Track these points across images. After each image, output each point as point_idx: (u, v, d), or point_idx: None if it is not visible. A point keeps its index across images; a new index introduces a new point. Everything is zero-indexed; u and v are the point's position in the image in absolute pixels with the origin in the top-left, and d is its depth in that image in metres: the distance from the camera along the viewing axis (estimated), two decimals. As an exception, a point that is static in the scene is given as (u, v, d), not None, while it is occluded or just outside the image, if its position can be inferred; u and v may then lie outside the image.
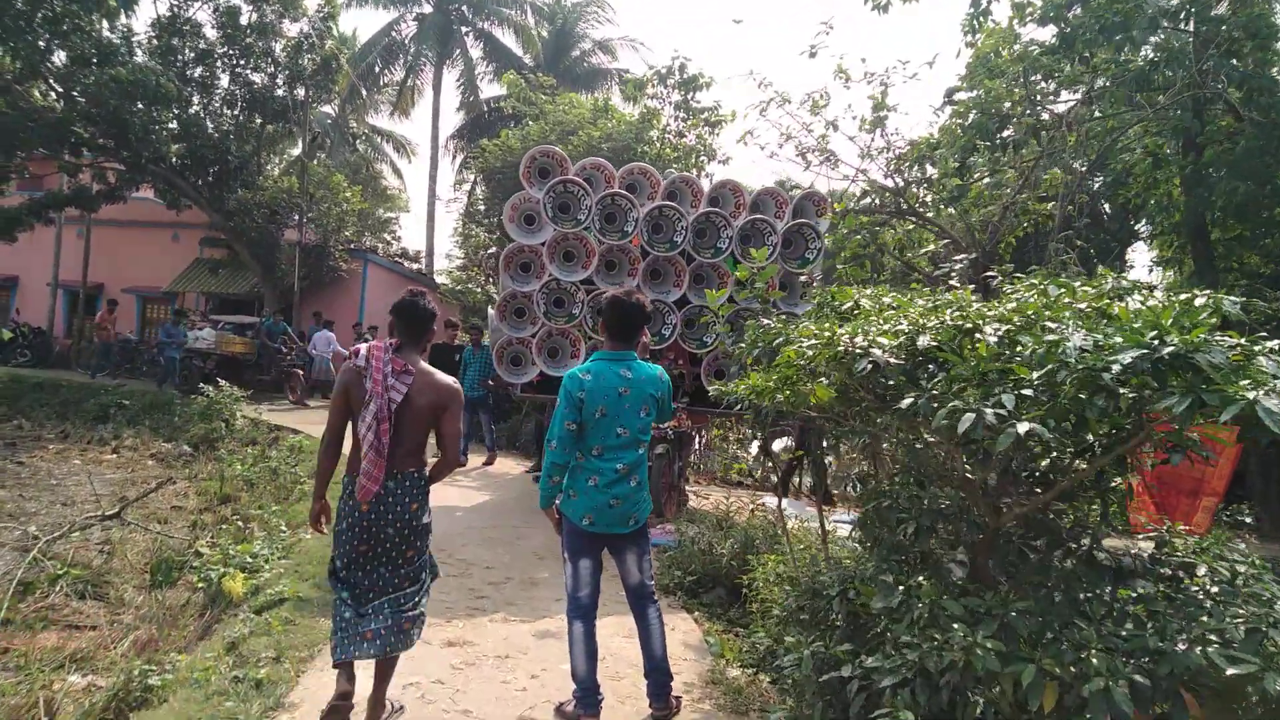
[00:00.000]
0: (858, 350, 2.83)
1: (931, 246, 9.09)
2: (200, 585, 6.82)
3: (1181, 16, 11.50)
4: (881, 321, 3.22)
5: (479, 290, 18.92)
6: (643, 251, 8.41)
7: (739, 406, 4.81)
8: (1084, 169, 9.60)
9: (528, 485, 10.05)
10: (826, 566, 4.20)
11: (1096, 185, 16.27)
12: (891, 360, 2.75)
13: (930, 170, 10.28)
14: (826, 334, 3.03)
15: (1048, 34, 11.60)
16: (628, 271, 8.46)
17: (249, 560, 6.92)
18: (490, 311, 9.61)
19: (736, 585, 5.91)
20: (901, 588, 2.85)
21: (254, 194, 20.58)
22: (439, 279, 26.58)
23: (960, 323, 2.83)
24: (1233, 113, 12.41)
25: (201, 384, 16.17)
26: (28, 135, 16.53)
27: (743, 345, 4.92)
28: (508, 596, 5.78)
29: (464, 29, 34.46)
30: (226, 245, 21.05)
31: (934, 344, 2.74)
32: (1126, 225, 19.12)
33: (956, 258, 7.89)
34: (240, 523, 8.49)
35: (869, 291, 4.00)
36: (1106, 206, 19.33)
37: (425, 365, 3.75)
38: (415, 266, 29.14)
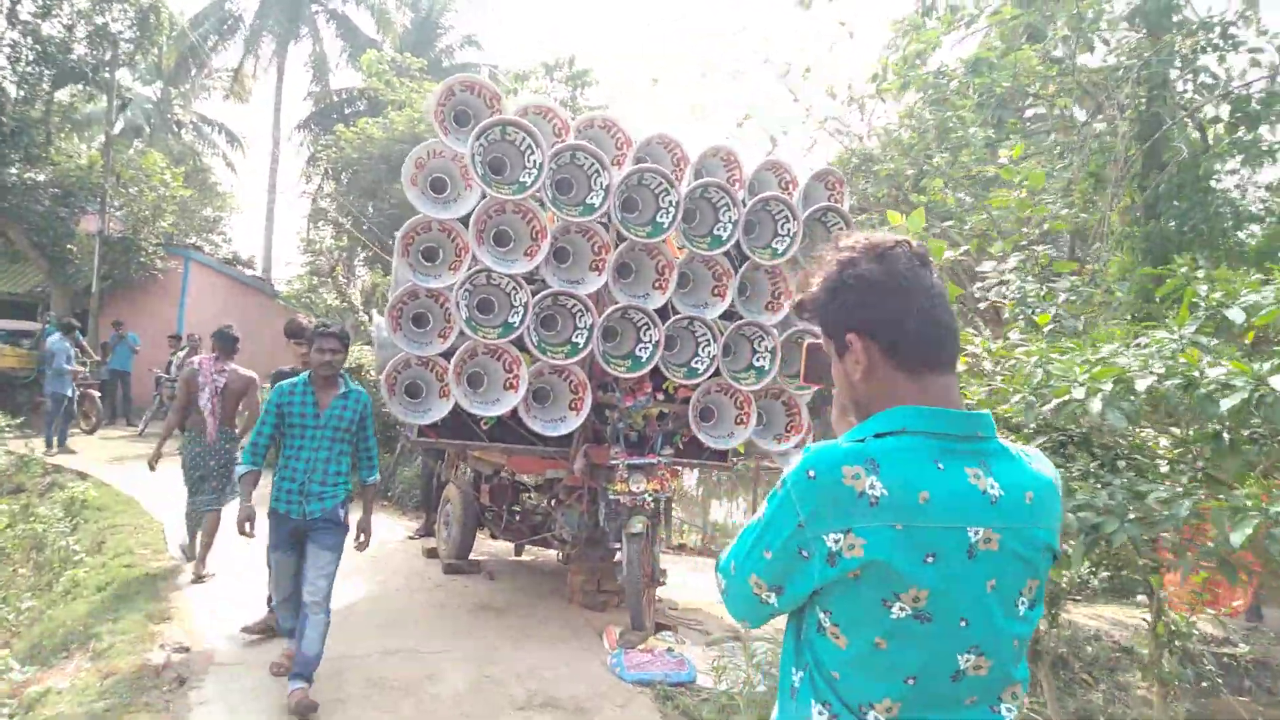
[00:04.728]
0: None
1: (951, 253, 7.02)
2: None
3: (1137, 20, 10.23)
4: None
5: (335, 299, 15.59)
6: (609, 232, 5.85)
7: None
8: (1132, 162, 7.87)
9: (417, 560, 7.20)
10: None
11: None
12: None
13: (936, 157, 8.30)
14: None
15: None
16: (590, 264, 5.87)
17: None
18: (377, 318, 6.74)
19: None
20: None
21: (40, 170, 16.48)
22: (280, 286, 22.75)
23: None
24: (1199, 130, 11.24)
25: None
26: None
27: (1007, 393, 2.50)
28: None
29: (314, 7, 30.66)
30: (0, 233, 16.71)
31: None
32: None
33: (996, 266, 5.59)
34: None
35: None
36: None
37: (234, 365, 6.43)
38: (251, 272, 25.08)
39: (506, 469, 6.78)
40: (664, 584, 5.69)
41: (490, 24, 62.55)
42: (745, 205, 6.00)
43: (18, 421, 12.23)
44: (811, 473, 1.22)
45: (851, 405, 1.38)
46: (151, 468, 6.48)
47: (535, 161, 5.58)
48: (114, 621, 5.03)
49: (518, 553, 7.65)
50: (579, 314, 5.79)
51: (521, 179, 5.61)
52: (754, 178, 6.43)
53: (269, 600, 4.91)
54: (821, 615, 1.26)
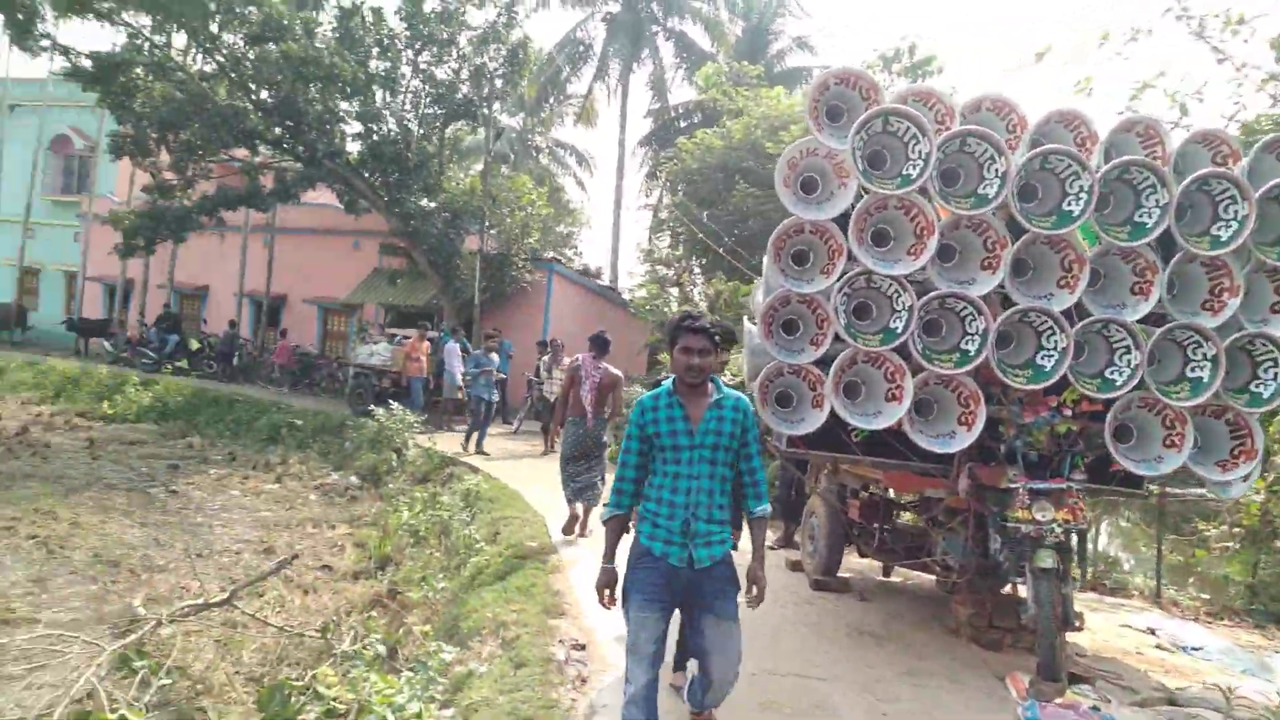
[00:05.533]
0: None
1: None
2: (317, 749, 4.31)
3: None
4: None
5: (680, 305, 16.18)
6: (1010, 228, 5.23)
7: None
8: None
9: (781, 572, 7.01)
10: None
11: None
12: None
13: None
14: None
15: None
16: (981, 261, 5.30)
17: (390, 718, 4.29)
18: (748, 325, 6.67)
19: None
20: None
21: (434, 197, 18.98)
22: (625, 294, 24.27)
23: None
24: None
25: (373, 405, 14.36)
26: (205, 128, 15.47)
27: None
28: None
29: (654, 28, 32.31)
30: (405, 254, 19.51)
31: None
32: None
33: None
34: (388, 629, 5.99)
35: None
36: None
37: (606, 364, 7.71)
38: (600, 282, 27.02)
39: (878, 484, 6.37)
40: (1080, 629, 4.94)
41: (821, 24, 61.83)
42: (1177, 187, 5.05)
43: (422, 418, 14.11)
44: None
45: None
46: (551, 448, 9.75)
47: (921, 152, 5.12)
48: (517, 612, 5.40)
49: (886, 573, 7.22)
50: (969, 318, 5.23)
51: (905, 172, 5.19)
52: (1179, 153, 5.42)
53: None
54: None
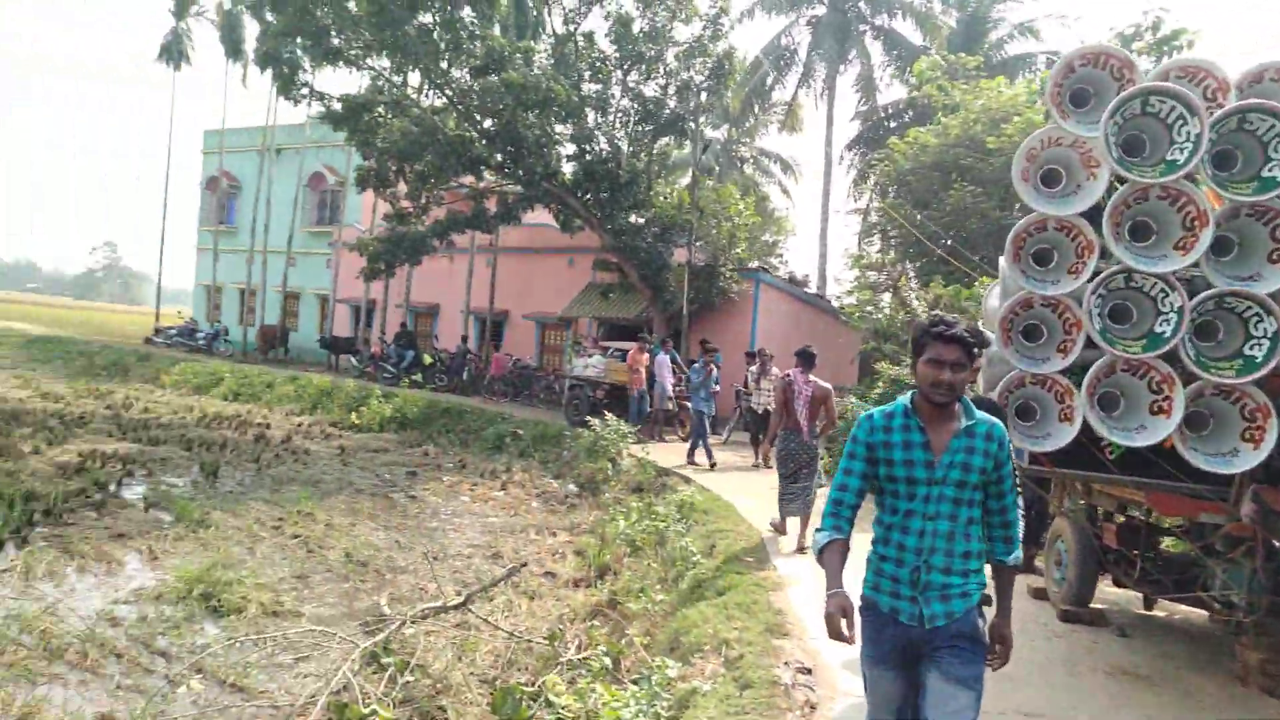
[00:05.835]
0: None
1: None
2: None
3: None
4: None
5: (896, 311, 15.52)
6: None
7: None
8: None
9: (1022, 599, 6.42)
10: None
11: None
12: None
13: None
14: None
15: None
16: (1269, 254, 4.61)
17: (616, 731, 4.31)
18: (984, 331, 6.20)
19: None
20: None
21: (643, 212, 19.39)
22: (834, 301, 23.68)
23: None
24: None
25: (588, 415, 14.83)
26: (436, 158, 16.72)
27: None
28: None
29: (861, 27, 31.36)
30: (616, 268, 20.08)
31: None
32: None
33: None
34: (609, 639, 6.07)
35: None
36: None
37: (814, 377, 7.99)
38: (808, 289, 26.53)
39: (1137, 506, 5.69)
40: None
41: (1046, 7, 57.51)
42: None
43: (635, 429, 14.38)
44: None
45: None
46: (766, 463, 9.77)
47: (1189, 134, 4.54)
48: (739, 630, 5.28)
49: (1148, 606, 6.45)
50: (1253, 319, 4.56)
51: (1170, 157, 4.61)
52: None
53: None
54: None
